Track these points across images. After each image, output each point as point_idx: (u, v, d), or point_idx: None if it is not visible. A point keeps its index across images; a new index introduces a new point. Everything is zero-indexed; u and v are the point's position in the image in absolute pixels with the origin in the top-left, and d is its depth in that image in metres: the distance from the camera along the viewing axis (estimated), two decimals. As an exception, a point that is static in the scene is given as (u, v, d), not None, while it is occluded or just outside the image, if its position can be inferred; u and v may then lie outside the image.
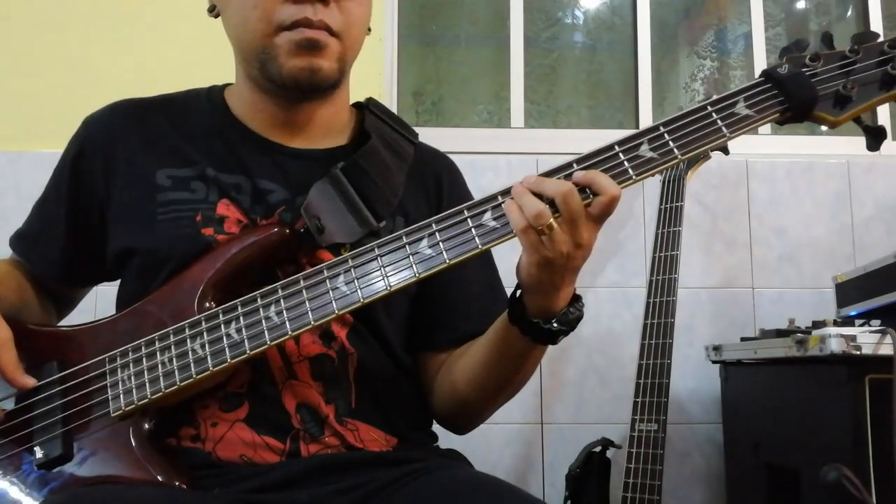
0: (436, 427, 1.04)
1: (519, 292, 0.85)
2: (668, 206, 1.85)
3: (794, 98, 0.81)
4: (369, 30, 1.01)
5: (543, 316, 0.83)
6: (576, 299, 0.85)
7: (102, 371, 0.87)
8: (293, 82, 0.91)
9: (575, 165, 0.80)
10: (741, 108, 0.81)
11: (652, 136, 0.80)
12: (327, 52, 0.91)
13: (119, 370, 0.86)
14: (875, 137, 0.84)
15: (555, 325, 0.83)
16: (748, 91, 0.82)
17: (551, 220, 0.76)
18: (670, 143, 0.80)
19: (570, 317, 0.84)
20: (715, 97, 0.83)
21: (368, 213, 0.93)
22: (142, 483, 0.81)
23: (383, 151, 0.99)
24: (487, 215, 0.80)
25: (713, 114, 0.81)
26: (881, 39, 0.83)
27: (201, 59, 1.68)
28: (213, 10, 0.99)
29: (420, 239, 0.81)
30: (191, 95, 1.04)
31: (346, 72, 0.96)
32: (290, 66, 0.90)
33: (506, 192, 0.81)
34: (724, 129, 0.80)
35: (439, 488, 0.83)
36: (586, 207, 0.78)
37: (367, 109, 1.04)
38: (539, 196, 0.78)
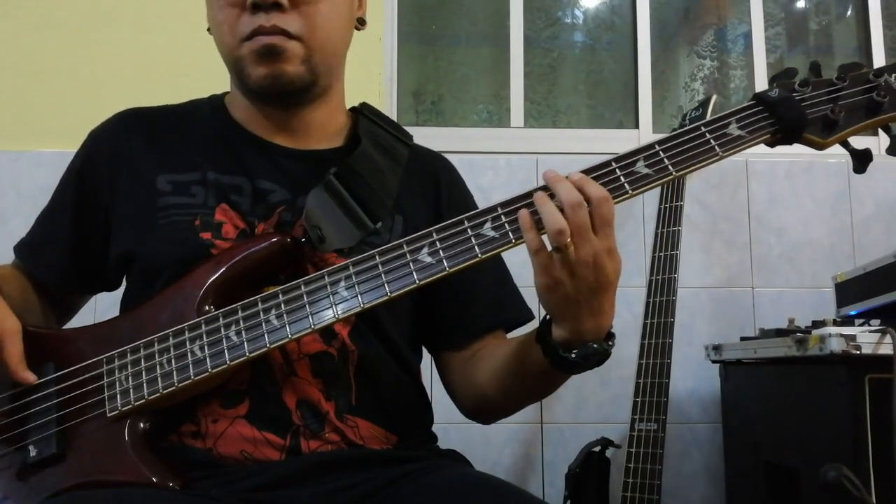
0: (435, 427, 1.04)
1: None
2: (667, 205, 1.85)
3: (785, 120, 0.84)
4: (363, 23, 1.03)
5: (566, 344, 0.82)
6: (608, 337, 0.82)
7: (100, 372, 0.87)
8: (260, 90, 0.94)
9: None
10: (733, 129, 0.84)
11: (648, 153, 0.83)
12: (287, 56, 0.91)
13: (117, 371, 0.86)
14: (861, 160, 0.87)
15: (572, 355, 0.81)
16: (740, 113, 0.85)
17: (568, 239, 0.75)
18: (665, 160, 0.82)
19: (589, 351, 0.80)
20: (708, 118, 0.86)
21: (364, 215, 0.95)
22: (136, 484, 0.81)
23: (375, 154, 1.00)
24: (487, 226, 0.82)
25: (706, 134, 0.84)
26: (866, 69, 0.87)
27: (201, 60, 1.67)
28: (209, 29, 1.01)
29: (421, 247, 0.83)
30: (192, 104, 1.06)
31: (319, 73, 0.95)
32: (256, 75, 0.92)
33: (505, 205, 0.82)
34: (717, 148, 0.83)
35: (439, 488, 0.83)
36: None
37: (361, 114, 1.06)
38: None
